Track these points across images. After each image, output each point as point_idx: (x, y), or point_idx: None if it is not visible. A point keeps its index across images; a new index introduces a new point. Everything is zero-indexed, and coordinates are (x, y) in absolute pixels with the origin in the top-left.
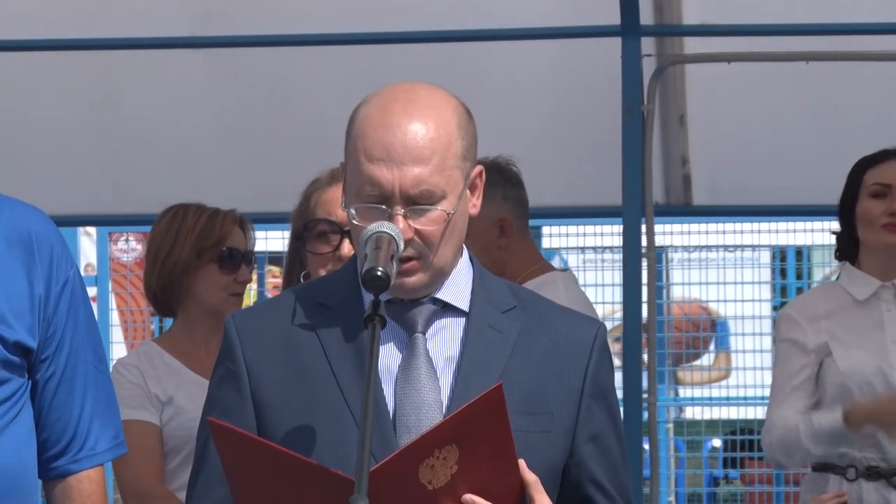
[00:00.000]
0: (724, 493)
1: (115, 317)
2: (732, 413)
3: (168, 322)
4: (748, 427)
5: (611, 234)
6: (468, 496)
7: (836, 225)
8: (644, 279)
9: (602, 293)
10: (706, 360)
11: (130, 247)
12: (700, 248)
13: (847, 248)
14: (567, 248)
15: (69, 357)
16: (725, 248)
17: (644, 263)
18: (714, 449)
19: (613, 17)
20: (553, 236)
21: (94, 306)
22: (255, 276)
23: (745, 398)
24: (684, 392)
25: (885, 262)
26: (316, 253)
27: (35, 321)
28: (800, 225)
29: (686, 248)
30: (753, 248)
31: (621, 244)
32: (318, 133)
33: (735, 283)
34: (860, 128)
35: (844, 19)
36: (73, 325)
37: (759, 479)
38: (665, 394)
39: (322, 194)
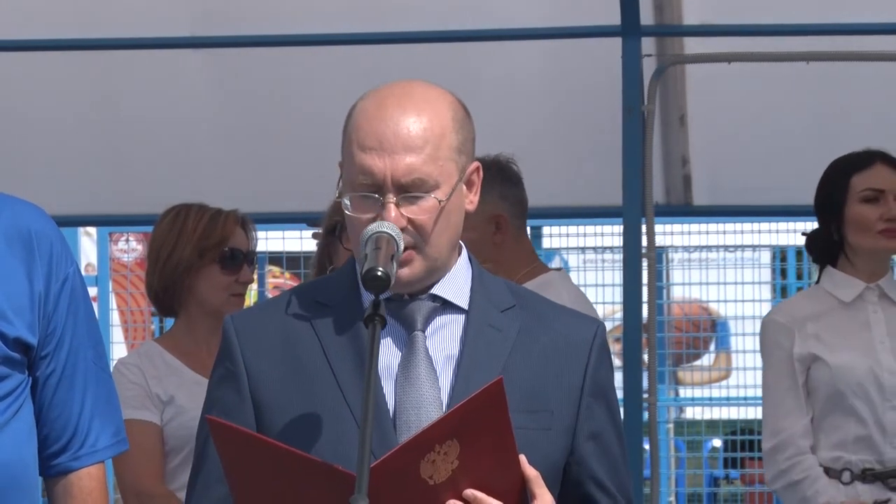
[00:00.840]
0: (724, 494)
1: (115, 317)
2: (733, 413)
3: (168, 322)
4: (748, 427)
5: (611, 234)
6: (469, 491)
7: None
8: (644, 279)
9: (602, 293)
10: (706, 360)
11: (131, 247)
12: (700, 248)
13: (827, 251)
14: (567, 248)
15: (69, 354)
16: (726, 248)
17: (644, 263)
18: (714, 449)
19: (614, 17)
20: (553, 236)
21: (95, 306)
22: (255, 276)
23: (745, 398)
24: (685, 392)
25: (873, 266)
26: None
27: (35, 318)
28: (800, 225)
29: (686, 249)
30: (754, 248)
31: (621, 244)
32: (319, 133)
33: (735, 283)
34: (860, 128)
35: (844, 19)
36: (73, 322)
37: (760, 479)
38: (665, 394)
39: None
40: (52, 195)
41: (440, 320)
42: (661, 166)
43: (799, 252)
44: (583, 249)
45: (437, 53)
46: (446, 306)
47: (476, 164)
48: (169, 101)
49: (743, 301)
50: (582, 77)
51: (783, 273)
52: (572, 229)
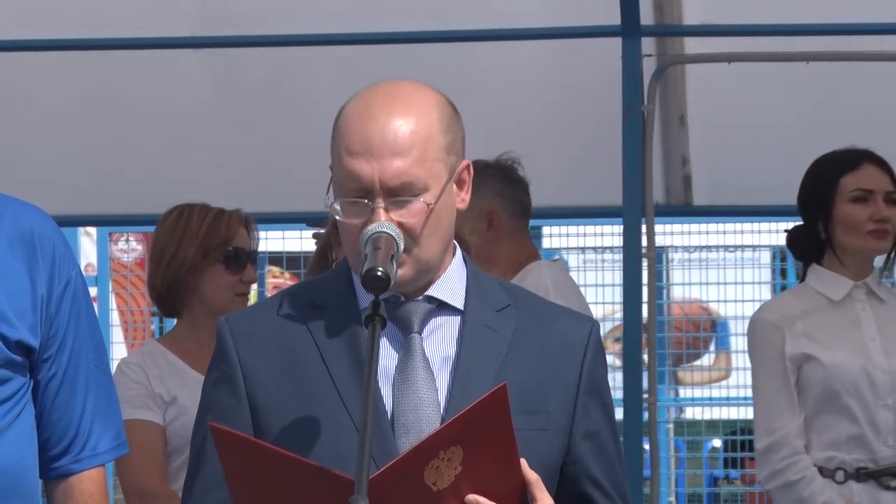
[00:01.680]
0: (724, 494)
1: (115, 317)
2: (733, 413)
3: (168, 322)
4: (748, 427)
5: (611, 234)
6: (472, 496)
7: None
8: (644, 279)
9: (602, 293)
10: (706, 360)
11: (131, 247)
12: (700, 248)
13: (812, 248)
14: (567, 248)
15: (71, 357)
16: (726, 248)
17: (644, 263)
18: (714, 449)
19: (614, 17)
20: (553, 236)
21: (95, 306)
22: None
23: (745, 398)
24: (684, 392)
25: (861, 265)
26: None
27: (37, 321)
28: None
29: (686, 249)
30: (754, 248)
31: (621, 244)
32: (318, 133)
33: (735, 283)
34: (860, 128)
35: (844, 19)
36: (75, 324)
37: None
38: (665, 394)
39: None
40: (52, 195)
41: (436, 322)
42: (661, 166)
43: None
44: (583, 249)
45: (438, 53)
46: (442, 307)
47: (466, 162)
48: (169, 101)
49: (743, 301)
50: (582, 77)
51: (783, 273)
52: (572, 229)
